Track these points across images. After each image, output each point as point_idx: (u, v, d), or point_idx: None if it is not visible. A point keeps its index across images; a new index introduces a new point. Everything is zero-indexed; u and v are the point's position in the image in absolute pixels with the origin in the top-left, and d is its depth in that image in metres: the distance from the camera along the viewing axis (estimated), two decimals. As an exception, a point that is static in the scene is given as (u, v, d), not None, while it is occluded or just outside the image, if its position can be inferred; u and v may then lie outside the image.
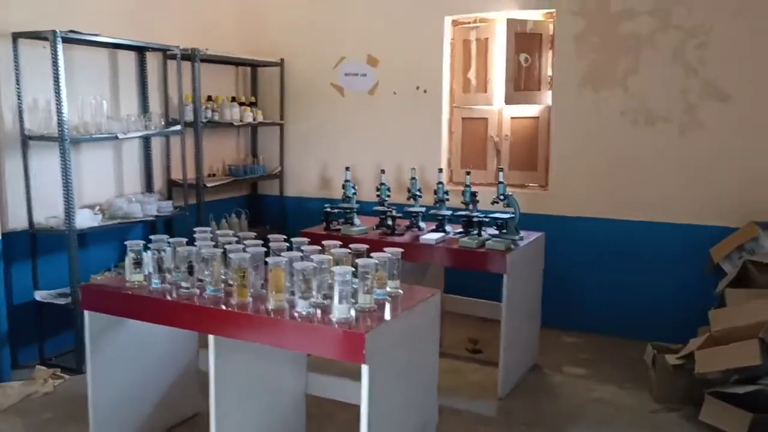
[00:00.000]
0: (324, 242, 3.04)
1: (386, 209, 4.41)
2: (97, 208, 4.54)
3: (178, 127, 4.98)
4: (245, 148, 6.20)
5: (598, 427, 3.61)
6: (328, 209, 4.47)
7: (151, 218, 4.74)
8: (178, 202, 5.14)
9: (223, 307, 2.68)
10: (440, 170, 4.66)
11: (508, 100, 5.27)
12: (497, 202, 4.15)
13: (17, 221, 4.23)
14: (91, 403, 3.05)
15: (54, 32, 3.94)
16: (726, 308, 3.88)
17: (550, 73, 5.17)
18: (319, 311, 2.61)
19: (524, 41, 5.16)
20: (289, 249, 2.96)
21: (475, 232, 4.14)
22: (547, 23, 5.17)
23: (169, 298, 2.81)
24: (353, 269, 2.59)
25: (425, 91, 5.49)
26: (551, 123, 5.11)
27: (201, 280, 2.89)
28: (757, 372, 3.41)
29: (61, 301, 4.21)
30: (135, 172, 5.10)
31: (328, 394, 3.36)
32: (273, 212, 6.20)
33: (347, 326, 2.46)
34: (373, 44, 5.64)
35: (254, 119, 5.81)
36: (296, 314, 2.57)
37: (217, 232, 3.32)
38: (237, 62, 5.86)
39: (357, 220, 4.52)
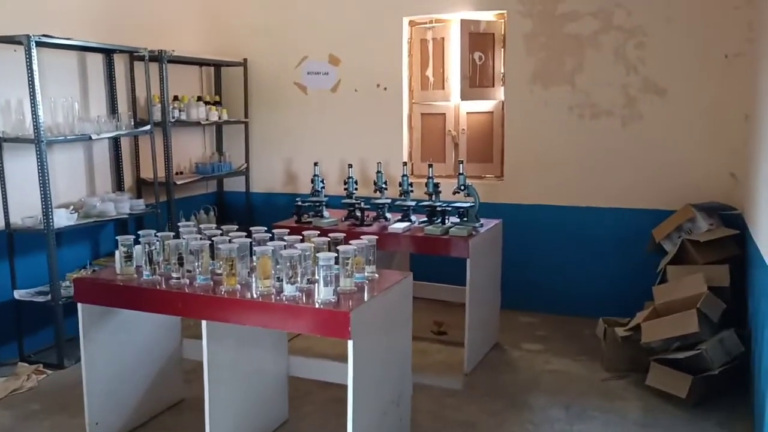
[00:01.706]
0: (304, 232, 3.27)
1: (355, 201, 4.67)
2: (72, 207, 4.65)
3: (147, 127, 5.12)
4: (211, 146, 6.36)
5: (553, 395, 3.95)
6: (299, 203, 4.69)
7: (123, 216, 4.87)
8: (148, 200, 5.28)
9: (215, 294, 2.89)
10: (404, 163, 4.90)
11: (464, 96, 5.58)
12: (458, 192, 4.45)
13: (-7, 222, 4.33)
14: (86, 390, 3.21)
15: (28, 36, 4.04)
16: (667, 283, 4.27)
17: (502, 70, 5.50)
18: (303, 295, 2.85)
19: (478, 41, 5.48)
20: (271, 239, 3.19)
21: (439, 220, 4.43)
22: (498, 23, 5.49)
23: (161, 287, 3.01)
24: (336, 255, 2.84)
25: (386, 89, 5.76)
26: (505, 117, 5.44)
27: (190, 271, 3.08)
28: (695, 339, 3.80)
29: (41, 299, 4.32)
30: (105, 172, 5.21)
31: (310, 375, 3.61)
32: (239, 208, 6.37)
33: (332, 306, 2.71)
34: (334, 44, 5.87)
35: (219, 118, 5.97)
36: (284, 297, 2.80)
37: (202, 226, 3.51)
38: (201, 62, 6.01)
39: (326, 213, 4.76)
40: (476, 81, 5.53)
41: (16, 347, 4.44)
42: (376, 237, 3.19)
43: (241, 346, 3.13)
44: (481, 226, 4.44)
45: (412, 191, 4.74)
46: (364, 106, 5.83)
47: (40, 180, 4.18)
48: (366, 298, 2.87)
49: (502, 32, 5.46)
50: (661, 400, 3.83)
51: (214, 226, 3.47)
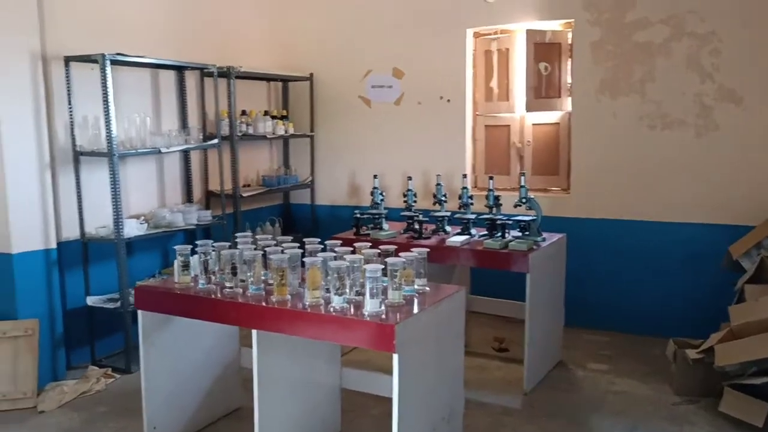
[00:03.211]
0: (355, 244, 3.27)
1: (413, 214, 4.64)
2: (142, 218, 4.84)
3: (215, 141, 5.27)
4: (278, 159, 6.49)
5: (617, 417, 3.78)
6: (358, 215, 4.71)
7: (191, 227, 5.03)
8: (216, 212, 5.43)
9: (265, 304, 2.93)
10: (464, 176, 4.84)
11: (530, 108, 5.48)
12: (520, 205, 4.35)
13: (70, 231, 4.54)
14: (144, 395, 3.31)
15: (103, 56, 4.25)
16: (745, 303, 4.01)
17: (569, 80, 5.36)
18: (352, 306, 2.85)
19: (543, 50, 5.37)
20: (323, 251, 3.20)
21: (499, 234, 4.34)
22: (565, 33, 5.37)
23: (215, 296, 3.07)
24: (383, 267, 2.82)
25: (449, 101, 5.72)
26: (571, 129, 5.29)
27: (243, 281, 3.13)
28: (773, 363, 3.55)
29: (111, 306, 4.51)
30: (175, 184, 5.40)
31: (361, 388, 3.59)
32: (304, 220, 6.46)
33: (378, 319, 2.69)
34: (398, 57, 5.89)
35: (286, 131, 6.09)
36: (332, 309, 2.80)
37: (258, 237, 3.56)
38: (269, 78, 6.15)
39: (386, 225, 4.75)
40: (542, 92, 5.41)
41: (89, 351, 4.63)
42: (428, 250, 3.15)
43: (293, 356, 3.15)
44: (543, 240, 4.32)
45: (472, 204, 4.66)
46: (427, 119, 5.81)
47: (111, 192, 4.37)
48: (414, 311, 2.84)
49: (569, 42, 5.33)
50: (734, 427, 3.60)
51: (270, 237, 3.51)
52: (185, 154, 5.42)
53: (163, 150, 4.77)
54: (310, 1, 6.24)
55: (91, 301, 4.56)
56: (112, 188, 4.37)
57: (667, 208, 4.95)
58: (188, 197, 5.46)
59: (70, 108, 4.45)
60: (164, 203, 5.26)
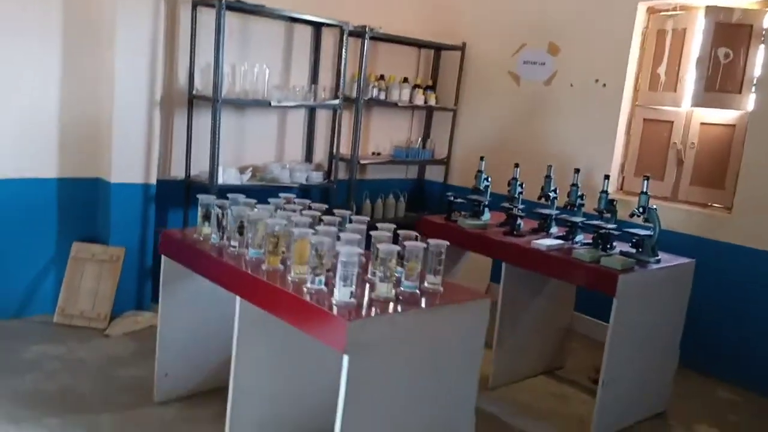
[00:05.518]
0: (378, 224, 2.86)
1: (511, 206, 4.05)
2: (250, 169, 4.85)
3: (336, 101, 5.09)
4: (418, 131, 6.14)
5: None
6: (451, 198, 4.23)
7: (294, 186, 4.92)
8: (340, 177, 5.27)
9: (248, 270, 2.66)
10: (606, 177, 3.89)
11: (698, 102, 4.47)
12: (635, 216, 3.56)
13: (178, 171, 4.70)
14: (159, 341, 3.26)
15: (220, 0, 4.25)
16: None
17: (756, 73, 4.26)
18: (344, 294, 2.43)
19: (727, 33, 4.32)
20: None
21: (608, 246, 3.59)
22: (759, 13, 4.25)
23: (211, 253, 2.88)
24: (361, 251, 2.40)
25: (605, 85, 4.90)
26: (747, 133, 4.22)
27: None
28: None
29: (201, 249, 4.58)
30: (297, 142, 5.34)
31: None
32: (434, 199, 6.06)
33: (335, 310, 2.28)
34: (556, 31, 5.19)
35: (426, 102, 5.71)
36: (305, 289, 2.45)
37: (314, 204, 3.25)
38: (416, 43, 5.79)
39: (487, 214, 4.21)
40: (716, 84, 4.37)
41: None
42: (447, 243, 2.63)
43: (284, 333, 2.82)
44: (657, 261, 3.49)
45: (583, 205, 3.93)
46: (576, 104, 5.05)
47: (211, 137, 4.41)
48: (390, 310, 2.37)
49: (764, 25, 4.22)
50: None
51: (317, 207, 3.20)
52: (311, 114, 5.32)
53: (274, 103, 4.69)
54: (474, -36, 5.74)
55: (184, 241, 4.68)
56: (212, 134, 4.40)
57: None
58: (308, 157, 5.37)
59: (192, 52, 4.55)
60: (282, 159, 5.23)
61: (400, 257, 2.53)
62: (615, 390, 3.37)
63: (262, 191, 4.86)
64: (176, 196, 4.70)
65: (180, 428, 3.15)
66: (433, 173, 6.15)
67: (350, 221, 2.97)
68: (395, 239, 2.71)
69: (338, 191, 5.26)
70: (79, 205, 4.40)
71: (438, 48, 5.92)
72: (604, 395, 3.34)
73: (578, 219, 3.84)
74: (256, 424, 2.85)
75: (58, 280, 4.32)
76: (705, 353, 4.29)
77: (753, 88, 4.26)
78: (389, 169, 5.85)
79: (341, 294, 2.35)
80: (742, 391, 4.10)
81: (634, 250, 3.56)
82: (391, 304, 2.42)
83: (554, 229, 4.02)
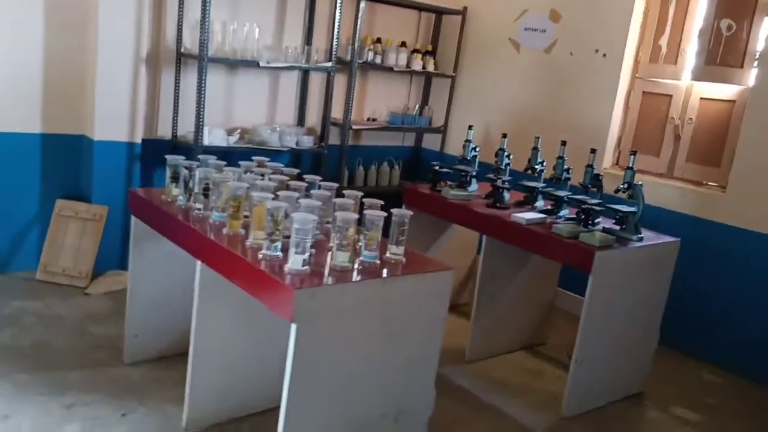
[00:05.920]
0: (344, 191, 2.79)
1: (496, 178, 3.95)
2: (239, 131, 4.78)
3: (329, 64, 4.98)
4: (416, 98, 6.02)
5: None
6: (437, 167, 4.14)
7: (284, 149, 4.85)
8: (333, 142, 5.19)
9: (206, 234, 2.62)
10: (593, 150, 3.83)
11: (697, 76, 4.32)
12: (619, 192, 3.46)
13: (165, 131, 4.64)
14: (128, 302, 3.25)
15: (206, -45, 4.14)
16: None
17: (759, 47, 4.09)
18: (302, 262, 2.38)
19: (730, 3, 4.14)
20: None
21: (590, 221, 3.50)
22: (768, -17, 4.07)
23: (178, 215, 2.83)
24: (315, 218, 2.34)
25: (605, 55, 4.74)
26: (746, 109, 4.07)
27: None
28: None
29: (185, 210, 4.55)
30: (290, 105, 5.25)
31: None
32: (430, 168, 5.95)
33: (284, 278, 2.23)
34: (558, -3, 5.02)
35: (423, 68, 5.58)
36: (260, 255, 2.40)
37: (285, 169, 3.20)
38: (416, 6, 5.63)
39: (474, 185, 4.13)
40: (717, 57, 4.21)
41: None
42: (410, 213, 2.56)
43: (245, 299, 2.79)
44: (640, 239, 3.40)
45: (569, 179, 3.83)
46: (575, 74, 4.90)
47: (196, 97, 4.33)
48: (339, 280, 2.31)
49: (771, -5, 4.04)
50: None
51: (288, 171, 3.15)
52: (305, 76, 5.22)
53: (263, 64, 4.60)
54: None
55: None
56: (197, 93, 4.33)
57: None
58: (300, 121, 5.28)
59: (181, 8, 4.45)
60: (273, 122, 5.15)
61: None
62: (589, 368, 3.32)
63: (249, 153, 4.81)
64: (162, 156, 4.63)
65: (146, 389, 3.14)
66: (431, 141, 6.04)
67: (319, 188, 2.91)
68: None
69: (330, 157, 5.18)
70: (63, 162, 4.37)
71: (439, 12, 5.76)
72: (576, 373, 3.29)
73: (563, 193, 3.75)
74: (215, 389, 2.84)
75: (41, 237, 4.32)
76: (690, 333, 4.22)
77: (755, 63, 4.09)
78: (385, 136, 5.75)
79: (293, 262, 2.30)
80: (725, 373, 4.03)
81: (617, 227, 3.48)
82: (347, 274, 2.37)
83: (541, 203, 3.93)
